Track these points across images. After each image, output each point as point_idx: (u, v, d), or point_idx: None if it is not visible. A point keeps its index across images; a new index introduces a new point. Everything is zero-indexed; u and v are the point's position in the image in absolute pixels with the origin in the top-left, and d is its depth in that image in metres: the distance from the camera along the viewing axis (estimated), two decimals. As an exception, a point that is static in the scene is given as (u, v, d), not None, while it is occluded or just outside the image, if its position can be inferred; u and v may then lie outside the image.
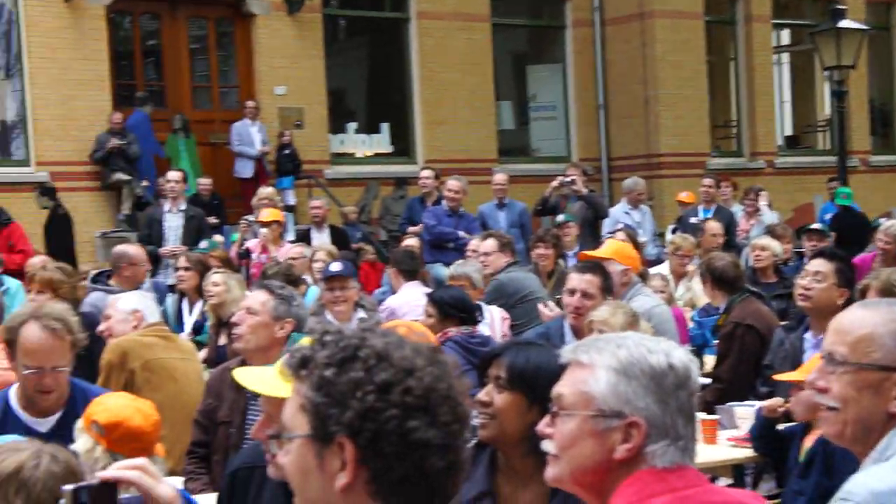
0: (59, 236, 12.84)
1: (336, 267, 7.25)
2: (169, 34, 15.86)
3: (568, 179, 12.09)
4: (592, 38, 18.37)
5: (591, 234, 11.53)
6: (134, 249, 8.28)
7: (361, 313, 7.08)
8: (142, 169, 14.50)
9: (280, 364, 2.46)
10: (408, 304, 7.71)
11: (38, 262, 8.33)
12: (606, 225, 12.26)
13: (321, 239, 12.01)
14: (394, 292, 8.39)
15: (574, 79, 18.44)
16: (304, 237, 12.21)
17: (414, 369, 1.77)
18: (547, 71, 18.96)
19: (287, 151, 15.38)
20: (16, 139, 14.65)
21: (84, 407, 3.81)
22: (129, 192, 14.34)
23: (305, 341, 1.87)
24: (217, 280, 7.74)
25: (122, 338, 5.83)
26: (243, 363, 4.69)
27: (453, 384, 1.81)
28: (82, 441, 3.54)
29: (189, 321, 8.75)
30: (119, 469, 1.99)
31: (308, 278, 9.07)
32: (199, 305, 8.60)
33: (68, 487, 1.91)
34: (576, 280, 5.93)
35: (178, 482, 4.50)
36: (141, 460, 2.03)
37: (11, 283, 8.54)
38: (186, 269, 8.86)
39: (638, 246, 9.01)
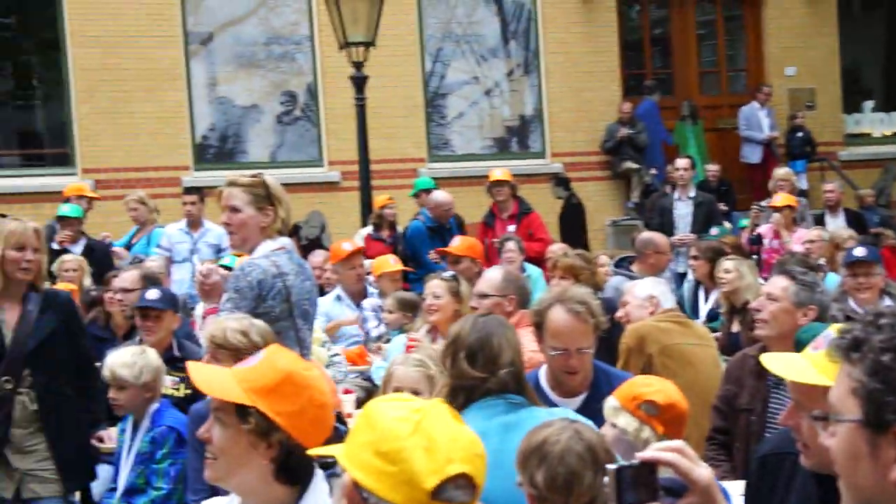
0: (573, 225, 13.29)
1: (860, 252, 6.90)
2: (677, 21, 15.95)
3: None
4: None
5: None
6: (660, 237, 8.39)
7: (888, 301, 6.68)
8: (650, 157, 14.71)
9: (826, 346, 2.35)
10: (938, 292, 7.19)
11: (559, 249, 8.64)
12: None
13: (835, 224, 11.57)
14: (922, 279, 7.87)
15: None
16: (817, 222, 11.79)
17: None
18: None
19: (799, 134, 14.93)
20: (533, 132, 15.39)
21: (608, 389, 3.87)
22: (638, 180, 14.60)
23: (833, 329, 1.77)
24: (729, 267, 7.65)
25: (640, 323, 5.93)
26: (763, 350, 4.60)
27: None
28: (626, 419, 3.59)
29: (704, 309, 8.72)
30: (658, 450, 1.99)
31: (822, 262, 8.72)
32: (714, 294, 8.54)
33: (611, 466, 1.95)
34: None
35: (707, 467, 4.47)
36: (679, 442, 2.01)
37: (532, 269, 8.96)
38: (695, 257, 8.87)
39: None
